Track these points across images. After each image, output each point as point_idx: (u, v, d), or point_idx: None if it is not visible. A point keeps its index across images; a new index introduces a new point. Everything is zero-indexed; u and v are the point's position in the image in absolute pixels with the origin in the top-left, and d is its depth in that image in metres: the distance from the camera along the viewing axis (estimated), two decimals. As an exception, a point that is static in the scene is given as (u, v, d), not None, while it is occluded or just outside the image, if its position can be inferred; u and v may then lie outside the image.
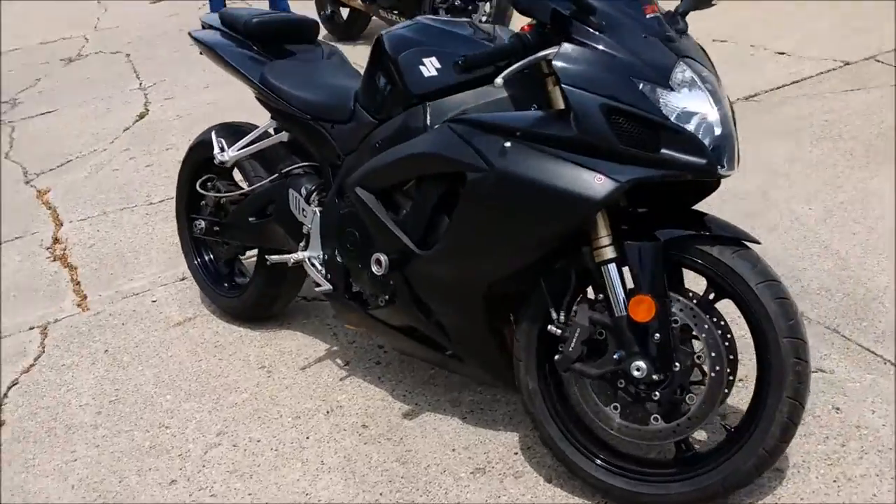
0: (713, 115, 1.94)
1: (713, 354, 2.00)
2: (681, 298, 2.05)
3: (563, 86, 1.91)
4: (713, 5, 2.23)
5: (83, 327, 3.45)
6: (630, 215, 2.09)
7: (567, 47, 1.93)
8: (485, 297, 2.18)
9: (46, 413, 2.94)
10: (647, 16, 1.98)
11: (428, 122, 2.19)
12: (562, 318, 2.10)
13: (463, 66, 1.95)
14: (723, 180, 2.05)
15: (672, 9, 2.11)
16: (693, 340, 2.07)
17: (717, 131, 1.94)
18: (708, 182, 2.09)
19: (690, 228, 2.05)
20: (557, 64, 1.92)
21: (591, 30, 1.94)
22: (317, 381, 2.86)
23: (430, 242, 2.20)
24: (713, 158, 1.92)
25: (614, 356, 2.03)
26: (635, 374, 2.00)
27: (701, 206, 2.15)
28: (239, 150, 2.89)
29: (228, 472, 2.52)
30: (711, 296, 2.07)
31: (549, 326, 2.10)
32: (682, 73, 1.94)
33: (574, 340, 2.05)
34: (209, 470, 2.54)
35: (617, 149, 1.88)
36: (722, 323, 2.05)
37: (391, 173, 2.29)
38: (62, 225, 4.44)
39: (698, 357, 2.02)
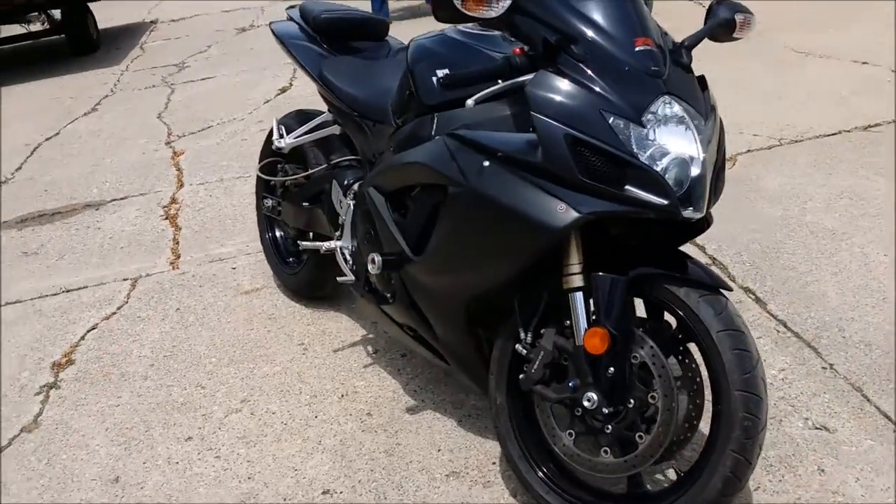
0: (685, 155, 1.89)
1: (665, 396, 1.97)
2: (644, 336, 2.02)
3: (531, 113, 1.93)
4: (737, 39, 2.16)
5: (167, 284, 3.76)
6: (609, 246, 2.07)
7: (542, 75, 1.94)
8: (467, 308, 2.23)
9: (109, 359, 3.25)
10: (637, 48, 1.94)
11: (433, 131, 2.25)
12: (529, 338, 2.12)
13: (444, 83, 2.00)
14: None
15: (684, 39, 2.06)
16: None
17: (687, 173, 1.89)
18: (698, 222, 2.05)
19: (665, 268, 2.01)
20: (529, 91, 1.93)
21: (574, 59, 1.93)
22: (343, 365, 3.00)
23: (422, 249, 2.27)
24: (675, 200, 1.87)
25: (570, 384, 2.04)
26: (585, 404, 2.00)
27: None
28: (295, 137, 3.06)
29: (238, 437, 2.71)
30: (680, 336, 2.03)
31: (517, 346, 2.13)
32: (659, 110, 1.90)
33: (537, 363, 2.08)
34: (222, 433, 2.73)
35: (577, 180, 1.88)
36: (693, 365, 2.01)
37: (395, 177, 2.37)
38: (182, 187, 4.82)
39: (652, 396, 1.99)
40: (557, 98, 1.91)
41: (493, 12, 1.89)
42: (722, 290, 1.98)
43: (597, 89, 1.90)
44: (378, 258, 2.36)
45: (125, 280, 3.83)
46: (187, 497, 2.48)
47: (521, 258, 2.04)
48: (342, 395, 2.83)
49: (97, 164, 5.43)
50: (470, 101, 1.96)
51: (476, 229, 2.07)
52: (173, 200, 4.62)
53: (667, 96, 1.91)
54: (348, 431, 2.65)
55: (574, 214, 1.89)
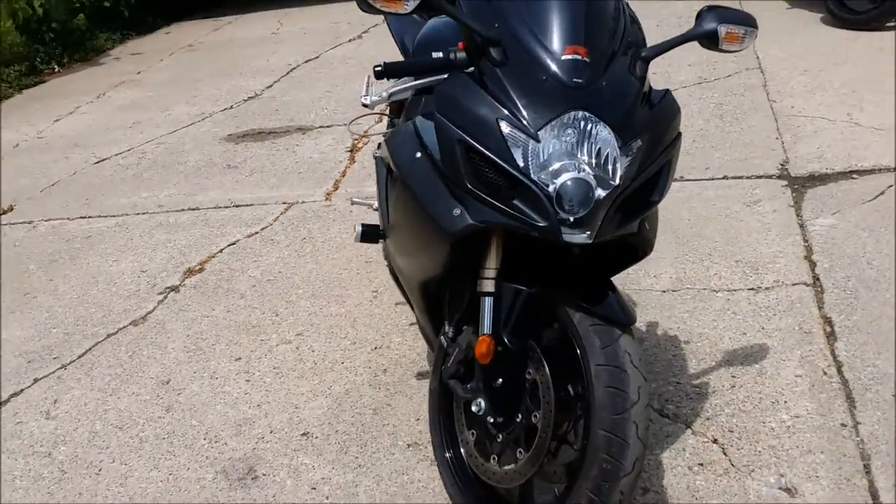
0: (583, 176, 1.78)
1: (544, 418, 1.93)
2: (541, 356, 1.98)
3: (435, 114, 1.93)
4: (727, 52, 1.98)
5: (310, 213, 4.14)
6: (536, 259, 2.03)
7: (454, 76, 1.92)
8: (425, 292, 2.29)
9: (228, 274, 3.70)
10: (564, 56, 1.83)
11: (417, 112, 2.31)
12: (451, 333, 2.15)
13: (379, 71, 2.04)
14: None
15: (641, 49, 1.93)
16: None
17: (583, 195, 1.75)
18: (633, 248, 1.94)
19: (574, 290, 1.93)
20: (437, 91, 1.93)
21: (491, 63, 1.88)
22: (394, 319, 3.17)
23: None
24: (555, 222, 1.76)
25: (468, 386, 2.06)
26: (473, 408, 2.02)
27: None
28: (377, 96, 3.20)
29: (273, 367, 3.01)
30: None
31: (441, 337, 2.18)
32: (562, 125, 1.78)
33: (452, 358, 2.11)
34: (264, 360, 3.05)
35: (464, 187, 1.87)
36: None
37: (384, 153, 2.46)
38: (380, 122, 5.15)
39: (535, 416, 1.96)
40: (461, 102, 1.88)
41: (403, 10, 1.89)
42: (617, 325, 1.85)
43: (503, 97, 1.84)
44: (358, 227, 2.47)
45: (283, 203, 4.25)
46: (206, 409, 2.83)
47: (437, 254, 2.06)
48: (375, 348, 2.99)
49: (329, 91, 5.93)
50: (365, 99, 1.99)
51: (405, 219, 2.12)
52: (365, 134, 4.94)
53: (579, 111, 1.79)
54: (357, 382, 2.82)
55: (466, 221, 1.88)
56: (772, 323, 2.80)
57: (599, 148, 1.78)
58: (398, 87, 2.01)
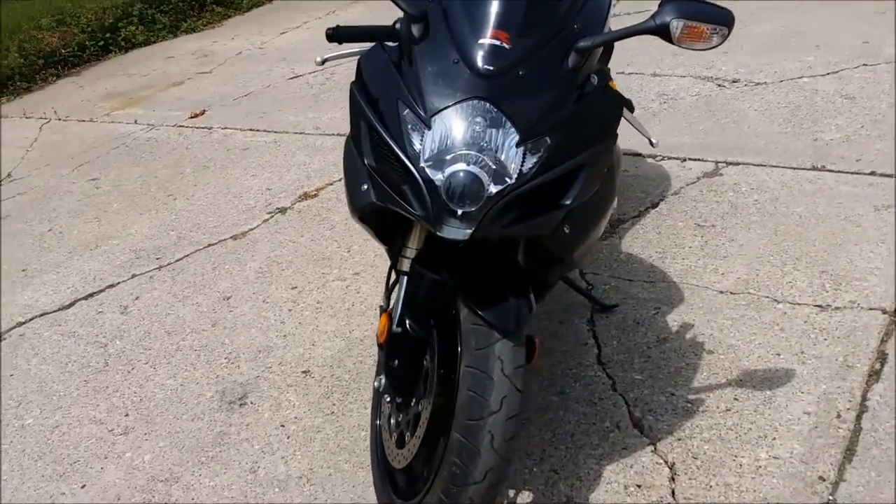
0: (466, 169, 1.73)
1: (427, 405, 1.97)
2: (433, 341, 2.00)
3: (351, 84, 1.96)
4: (694, 50, 1.84)
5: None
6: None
7: (374, 49, 1.94)
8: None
9: (331, 204, 3.93)
10: (482, 40, 1.78)
11: None
12: (386, 304, 2.22)
13: (331, 34, 2.07)
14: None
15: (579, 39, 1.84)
16: None
17: (464, 189, 1.72)
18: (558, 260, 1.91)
19: (474, 285, 1.92)
20: (358, 62, 1.96)
21: (410, 39, 1.89)
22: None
23: None
24: (429, 213, 1.73)
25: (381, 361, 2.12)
26: (375, 384, 2.10)
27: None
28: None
29: (316, 302, 3.21)
30: None
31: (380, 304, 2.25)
32: (456, 113, 1.73)
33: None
34: (312, 294, 3.25)
35: (364, 165, 1.91)
36: None
37: None
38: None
39: (422, 404, 2.00)
40: (372, 76, 1.90)
41: None
42: (498, 329, 1.82)
43: (410, 77, 1.84)
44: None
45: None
46: (243, 330, 3.07)
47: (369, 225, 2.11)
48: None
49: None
50: (318, 59, 2.04)
51: None
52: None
53: (479, 101, 1.74)
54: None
55: (369, 198, 1.92)
56: (815, 348, 2.54)
57: (498, 141, 1.72)
58: (333, 54, 2.04)
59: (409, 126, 1.76)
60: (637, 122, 2.08)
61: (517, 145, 1.71)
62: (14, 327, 3.26)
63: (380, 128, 1.79)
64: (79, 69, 6.71)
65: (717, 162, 3.67)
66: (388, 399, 2.04)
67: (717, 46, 1.83)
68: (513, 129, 1.71)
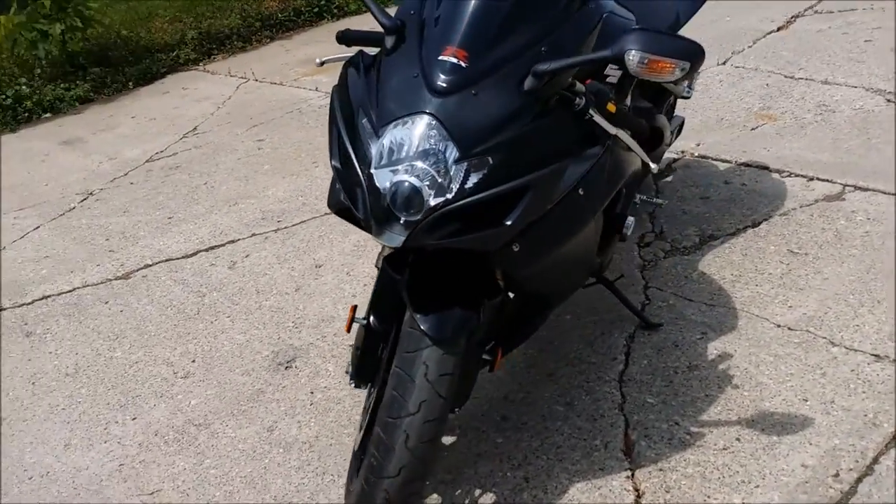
0: (406, 180, 1.81)
1: (375, 396, 2.13)
2: (389, 337, 2.14)
3: (332, 90, 2.13)
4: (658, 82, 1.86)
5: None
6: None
7: (357, 55, 2.08)
8: None
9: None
10: (441, 57, 1.86)
11: None
12: None
13: (340, 36, 2.19)
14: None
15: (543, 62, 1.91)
16: None
17: (403, 198, 1.81)
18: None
19: (422, 289, 2.00)
20: (344, 68, 2.12)
21: (384, 49, 1.98)
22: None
23: None
24: (368, 219, 1.85)
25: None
26: (350, 369, 2.29)
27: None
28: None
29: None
30: None
31: None
32: (403, 127, 1.82)
33: None
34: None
35: (332, 164, 2.07)
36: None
37: None
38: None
39: (372, 392, 2.17)
40: (346, 81, 2.06)
41: None
42: (428, 336, 1.92)
43: (375, 86, 1.97)
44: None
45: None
46: (319, 298, 3.31)
47: None
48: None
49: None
50: (317, 60, 2.21)
51: None
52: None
53: (425, 116, 1.83)
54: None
55: (337, 197, 2.08)
56: (848, 399, 2.42)
57: (441, 156, 1.83)
58: (332, 56, 2.19)
59: (366, 134, 1.88)
60: (634, 145, 2.06)
61: (457, 162, 1.78)
62: (141, 268, 3.70)
63: (343, 133, 1.93)
64: (291, 33, 7.24)
65: (844, 185, 3.46)
66: (353, 385, 2.19)
67: (682, 80, 1.80)
68: (453, 146, 1.78)
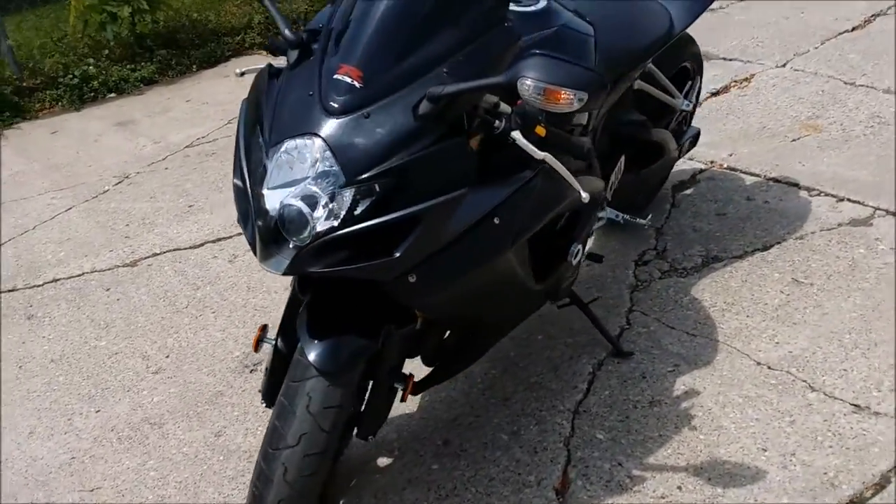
0: (290, 203, 1.72)
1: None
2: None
3: (242, 103, 2.07)
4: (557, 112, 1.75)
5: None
6: None
7: (267, 66, 2.04)
8: None
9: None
10: (339, 76, 1.76)
11: None
12: None
13: (268, 46, 2.15)
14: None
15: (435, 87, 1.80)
16: None
17: (288, 222, 1.73)
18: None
19: (327, 320, 1.93)
20: (254, 81, 2.06)
21: (291, 62, 1.91)
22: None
23: None
24: (251, 239, 1.80)
25: None
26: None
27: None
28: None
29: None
30: None
31: None
32: (293, 147, 1.74)
33: None
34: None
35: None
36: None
37: None
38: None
39: None
40: (252, 94, 2.01)
41: None
42: (315, 367, 1.85)
43: (273, 103, 1.91)
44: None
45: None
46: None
47: None
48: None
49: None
50: (237, 70, 2.15)
51: None
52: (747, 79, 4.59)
53: (313, 138, 1.74)
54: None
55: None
56: (812, 454, 2.25)
57: (328, 181, 1.76)
58: (251, 67, 2.13)
59: (261, 152, 1.81)
60: (566, 173, 1.93)
61: (343, 188, 1.70)
62: (148, 257, 3.75)
63: (241, 149, 1.87)
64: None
65: (875, 209, 3.20)
66: (265, 406, 2.14)
67: (580, 111, 1.67)
68: (339, 171, 1.70)
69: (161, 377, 2.90)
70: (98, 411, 2.79)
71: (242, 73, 2.05)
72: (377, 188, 1.69)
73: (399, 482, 2.30)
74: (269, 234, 1.73)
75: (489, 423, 2.46)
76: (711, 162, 3.70)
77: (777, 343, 2.60)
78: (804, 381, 2.44)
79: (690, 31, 2.92)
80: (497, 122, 1.78)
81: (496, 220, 1.84)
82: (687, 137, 3.19)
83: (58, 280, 3.60)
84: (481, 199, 1.82)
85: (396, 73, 1.74)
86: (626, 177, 2.83)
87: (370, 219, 1.69)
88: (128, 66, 6.06)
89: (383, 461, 2.39)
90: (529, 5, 2.20)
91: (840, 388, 2.39)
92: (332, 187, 1.69)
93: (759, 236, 3.15)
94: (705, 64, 3.32)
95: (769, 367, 2.51)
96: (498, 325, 2.20)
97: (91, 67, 5.94)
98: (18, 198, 4.45)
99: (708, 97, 4.29)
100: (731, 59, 4.76)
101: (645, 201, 3.17)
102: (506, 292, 2.05)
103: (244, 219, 1.81)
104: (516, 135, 1.77)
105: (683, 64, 3.08)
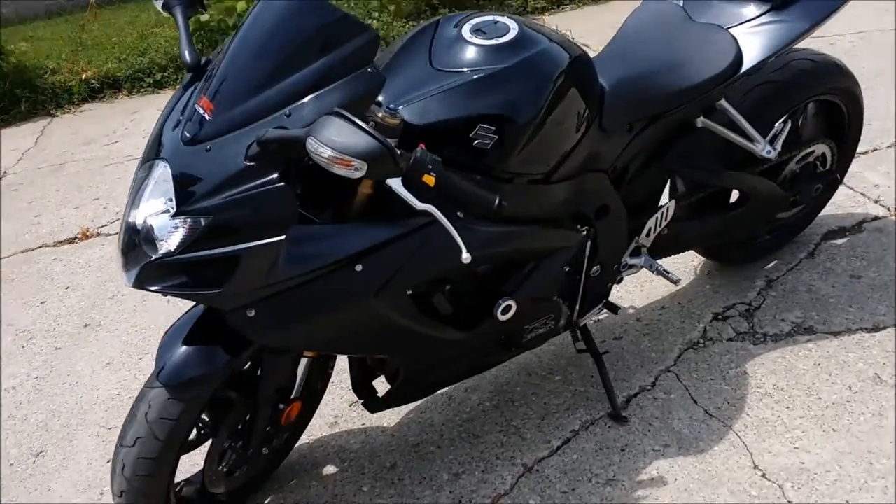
0: (135, 222, 1.78)
1: None
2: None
3: None
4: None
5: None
6: None
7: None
8: None
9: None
10: (196, 106, 1.77)
11: None
12: None
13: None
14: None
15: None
16: None
17: (141, 237, 1.78)
18: None
19: (195, 331, 2.00)
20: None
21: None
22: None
23: None
24: (120, 258, 1.85)
25: None
26: None
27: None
28: None
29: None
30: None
31: None
32: (147, 170, 1.80)
33: None
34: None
35: None
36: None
37: None
38: None
39: None
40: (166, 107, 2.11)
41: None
42: (157, 376, 1.92)
43: (161, 119, 1.92)
44: None
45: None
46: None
47: None
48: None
49: None
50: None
51: None
52: None
53: (162, 164, 1.78)
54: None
55: None
56: None
57: (165, 206, 1.84)
58: None
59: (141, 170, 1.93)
60: (448, 226, 1.78)
61: (174, 216, 1.77)
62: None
63: (140, 164, 1.98)
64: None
65: None
66: None
67: (364, 178, 1.60)
68: (174, 201, 1.77)
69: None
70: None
71: None
72: (202, 222, 1.70)
73: (324, 496, 2.32)
74: (125, 246, 1.81)
75: (443, 459, 2.38)
76: (889, 209, 3.12)
77: (795, 448, 2.21)
78: (789, 502, 2.05)
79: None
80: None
81: (357, 268, 1.79)
82: (817, 184, 2.76)
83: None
84: (341, 243, 1.77)
85: (243, 109, 1.73)
86: (709, 220, 2.62)
87: (192, 251, 1.71)
88: (411, 23, 6.34)
89: (330, 469, 2.41)
90: (498, 37, 2.04)
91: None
92: (167, 214, 1.73)
93: (877, 313, 2.64)
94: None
95: (763, 476, 2.15)
96: (419, 372, 2.13)
97: (374, 22, 6.29)
98: None
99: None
100: None
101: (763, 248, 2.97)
102: (393, 338, 1.97)
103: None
104: (394, 182, 1.69)
105: (822, 97, 2.67)
